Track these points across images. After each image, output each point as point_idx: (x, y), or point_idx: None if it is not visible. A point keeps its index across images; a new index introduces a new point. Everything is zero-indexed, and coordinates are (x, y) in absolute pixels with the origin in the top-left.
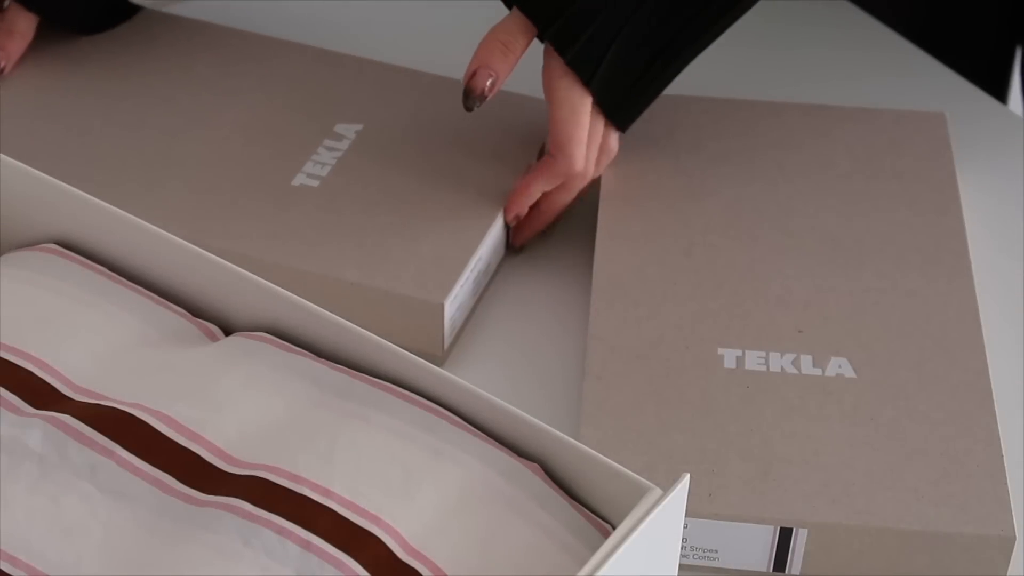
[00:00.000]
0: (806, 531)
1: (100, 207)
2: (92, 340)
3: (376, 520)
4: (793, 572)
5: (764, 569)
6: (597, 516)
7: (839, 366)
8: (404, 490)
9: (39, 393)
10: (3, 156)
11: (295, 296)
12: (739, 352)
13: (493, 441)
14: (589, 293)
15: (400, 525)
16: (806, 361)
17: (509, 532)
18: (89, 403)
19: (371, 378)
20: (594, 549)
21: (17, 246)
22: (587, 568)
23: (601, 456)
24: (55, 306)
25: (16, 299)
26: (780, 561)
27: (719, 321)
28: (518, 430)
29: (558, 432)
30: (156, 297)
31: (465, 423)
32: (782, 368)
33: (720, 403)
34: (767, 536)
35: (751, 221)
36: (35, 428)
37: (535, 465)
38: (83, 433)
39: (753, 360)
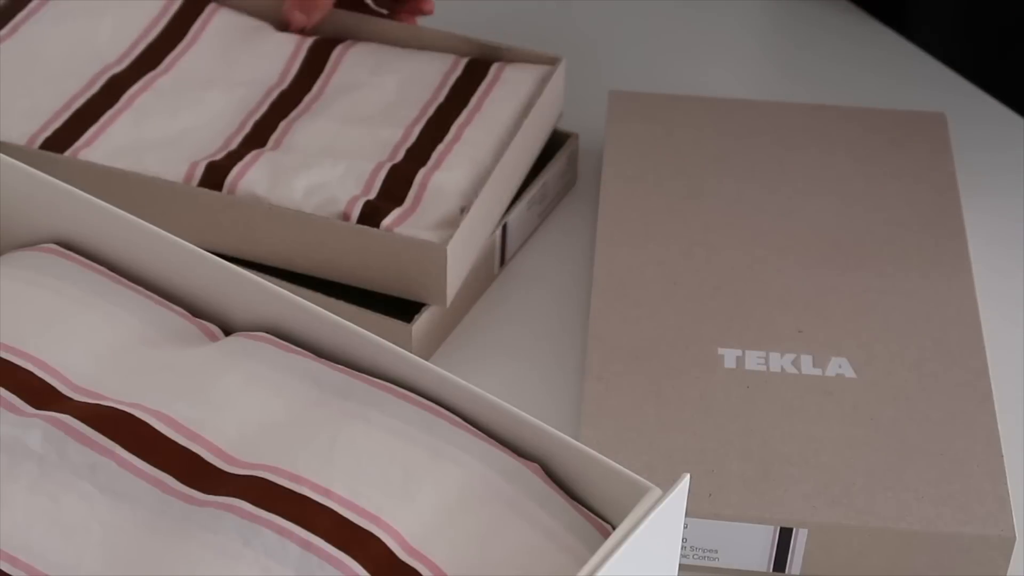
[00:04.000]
0: (806, 531)
1: (100, 207)
2: (92, 340)
3: (376, 520)
4: (793, 572)
5: (764, 569)
6: (597, 516)
7: (839, 366)
8: (404, 490)
9: (39, 393)
10: (3, 156)
11: (295, 296)
12: (739, 352)
13: (493, 441)
14: (589, 293)
15: (400, 525)
16: (806, 361)
17: (509, 532)
18: (89, 403)
19: (371, 378)
20: (594, 549)
21: (17, 246)
22: (587, 568)
23: (601, 456)
24: (55, 306)
25: (16, 299)
26: (780, 561)
27: (719, 321)
28: (518, 430)
29: (558, 432)
30: (156, 297)
31: (465, 423)
32: (782, 368)
33: (720, 403)
34: (767, 536)
35: (751, 221)
36: (35, 428)
37: (535, 465)
38: (83, 433)
39: (753, 360)
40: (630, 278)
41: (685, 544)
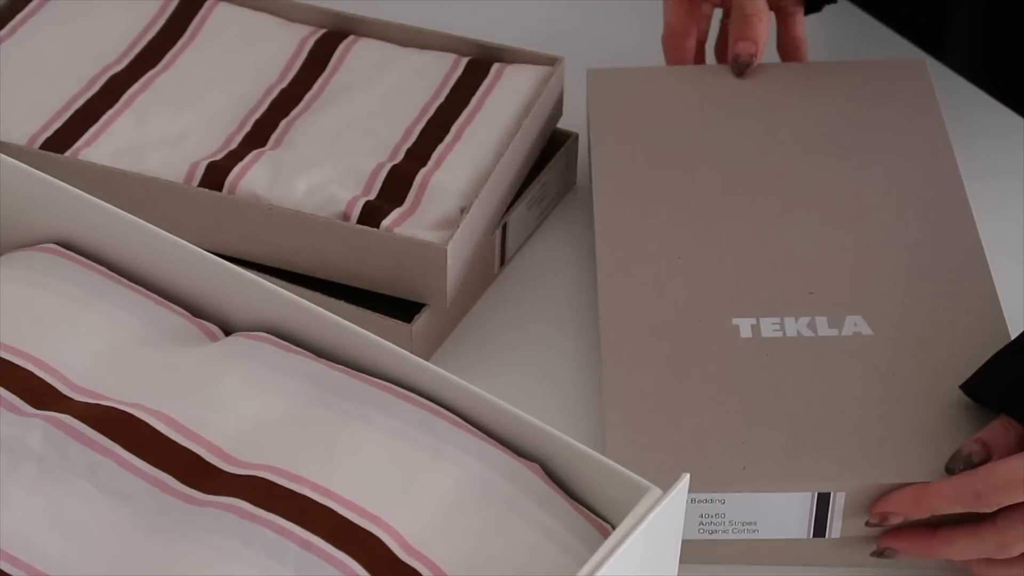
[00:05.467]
0: (843, 494)
1: (100, 207)
2: (92, 340)
3: (376, 520)
4: (833, 536)
5: (804, 536)
6: (597, 516)
7: (855, 324)
8: (404, 490)
9: (39, 393)
10: (3, 156)
11: (295, 296)
12: (754, 320)
13: (493, 441)
14: (589, 294)
15: (400, 525)
16: (821, 323)
17: (509, 532)
18: (89, 403)
19: (371, 378)
20: (594, 549)
21: (17, 246)
22: (587, 568)
23: (601, 456)
24: (55, 306)
25: (16, 299)
26: (820, 526)
27: (729, 291)
28: (518, 430)
29: (558, 432)
30: (156, 297)
31: (465, 423)
32: (798, 332)
33: (741, 374)
34: (805, 503)
35: (746, 187)
36: (35, 428)
37: (535, 465)
38: (83, 433)
39: (768, 327)
40: (635, 258)
41: (723, 519)
